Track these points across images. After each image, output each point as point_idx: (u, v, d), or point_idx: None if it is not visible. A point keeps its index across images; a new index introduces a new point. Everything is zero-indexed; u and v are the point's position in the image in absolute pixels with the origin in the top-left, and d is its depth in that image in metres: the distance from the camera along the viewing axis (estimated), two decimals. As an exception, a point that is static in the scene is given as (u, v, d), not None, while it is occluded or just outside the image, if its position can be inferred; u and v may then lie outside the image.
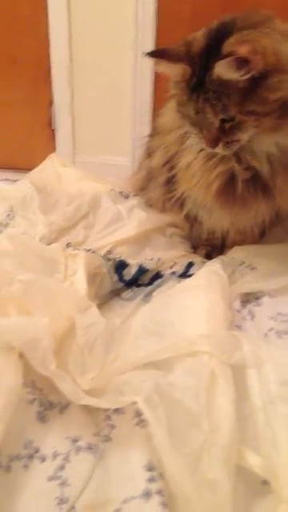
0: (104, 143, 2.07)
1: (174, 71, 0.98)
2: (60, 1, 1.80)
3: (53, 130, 2.08)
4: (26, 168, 1.94)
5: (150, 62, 1.81)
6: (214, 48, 0.92)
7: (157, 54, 0.98)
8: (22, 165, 2.08)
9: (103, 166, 2.03)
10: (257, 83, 0.89)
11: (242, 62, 0.86)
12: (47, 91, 2.00)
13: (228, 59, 0.86)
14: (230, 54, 0.86)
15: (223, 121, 0.96)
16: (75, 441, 0.77)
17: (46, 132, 2.08)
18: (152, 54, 0.97)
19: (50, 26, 1.86)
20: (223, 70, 0.88)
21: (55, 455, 0.75)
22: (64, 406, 0.81)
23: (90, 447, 0.76)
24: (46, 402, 0.81)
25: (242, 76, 0.88)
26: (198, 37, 0.97)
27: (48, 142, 2.10)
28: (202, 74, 0.93)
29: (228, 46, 0.89)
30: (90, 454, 0.75)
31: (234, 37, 0.90)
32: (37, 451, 0.75)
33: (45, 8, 1.83)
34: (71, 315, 0.89)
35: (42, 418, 0.79)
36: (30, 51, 1.94)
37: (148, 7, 1.77)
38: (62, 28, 1.85)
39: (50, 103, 2.02)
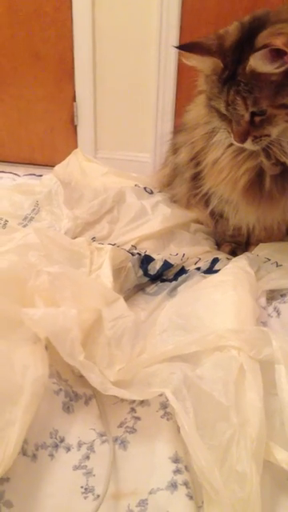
0: (126, 139, 2.07)
1: (205, 64, 0.98)
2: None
3: (75, 126, 2.09)
4: (47, 164, 1.97)
5: (173, 60, 1.83)
6: (246, 41, 0.91)
7: (188, 47, 0.98)
8: (44, 161, 2.10)
9: (125, 162, 2.04)
10: None
11: (277, 55, 0.85)
12: (70, 87, 2.01)
13: (263, 51, 0.85)
14: (264, 47, 0.86)
15: (253, 114, 0.95)
16: (100, 432, 0.77)
17: (69, 128, 2.10)
18: (183, 47, 0.97)
19: (74, 23, 1.88)
20: (258, 61, 0.87)
21: (80, 445, 0.75)
22: (89, 398, 0.82)
23: (115, 438, 0.77)
24: (71, 393, 0.81)
25: (276, 68, 0.87)
26: (231, 30, 0.96)
27: (70, 138, 2.11)
28: (234, 67, 0.93)
29: (262, 38, 0.89)
30: (114, 444, 0.76)
31: (269, 30, 0.89)
32: (62, 441, 0.75)
33: (69, 4, 1.84)
34: (98, 307, 0.89)
35: (67, 408, 0.79)
36: (54, 47, 1.96)
37: (173, 5, 1.77)
38: (86, 24, 1.87)
39: (73, 99, 2.03)
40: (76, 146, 2.09)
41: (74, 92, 2.02)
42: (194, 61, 0.97)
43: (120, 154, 2.09)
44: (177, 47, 0.98)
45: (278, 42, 0.84)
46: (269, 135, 0.98)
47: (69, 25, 1.90)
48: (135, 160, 2.06)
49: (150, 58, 1.88)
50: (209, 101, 1.02)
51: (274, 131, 0.97)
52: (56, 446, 0.74)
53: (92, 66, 1.95)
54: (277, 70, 0.87)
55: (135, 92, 1.98)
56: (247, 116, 0.96)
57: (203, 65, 0.99)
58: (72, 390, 0.82)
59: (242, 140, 0.99)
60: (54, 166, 1.51)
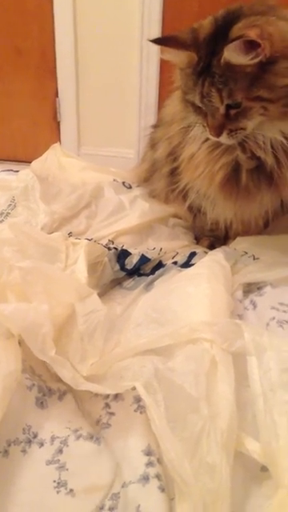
0: (109, 135, 2.07)
1: (180, 58, 0.98)
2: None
3: (58, 122, 2.08)
4: (29, 160, 1.95)
5: (155, 55, 1.83)
6: (220, 34, 0.92)
7: (163, 40, 0.98)
8: (26, 157, 2.08)
9: (108, 158, 2.04)
10: (264, 69, 0.89)
11: (251, 46, 0.86)
12: (52, 83, 2.00)
13: (237, 42, 0.85)
14: (238, 38, 0.86)
15: (229, 107, 0.95)
16: (74, 427, 0.77)
17: (51, 124, 2.09)
18: (158, 41, 0.97)
19: (56, 18, 1.86)
20: (232, 53, 0.87)
21: (53, 439, 0.75)
22: (63, 393, 0.82)
23: (88, 434, 0.76)
24: (44, 388, 0.81)
25: (250, 60, 0.87)
26: (205, 24, 0.96)
27: (53, 134, 2.10)
28: (208, 59, 0.93)
29: (236, 30, 0.89)
30: (88, 440, 0.75)
31: (243, 22, 0.90)
32: (35, 436, 0.75)
33: (50, 0, 1.83)
34: (71, 302, 0.88)
35: (40, 403, 0.79)
36: (35, 43, 1.94)
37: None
38: (67, 19, 1.86)
39: (56, 95, 2.02)
40: (59, 143, 2.08)
41: (57, 88, 2.01)
42: (169, 55, 0.97)
43: (103, 149, 2.08)
44: (151, 41, 0.98)
45: (252, 34, 0.84)
46: (244, 129, 0.98)
47: (50, 20, 1.88)
48: (119, 156, 2.06)
49: (133, 53, 1.88)
50: (184, 95, 1.02)
51: (250, 125, 0.97)
52: (29, 442, 0.74)
53: (74, 61, 1.94)
54: (251, 62, 0.88)
55: (118, 87, 1.97)
56: (222, 109, 0.96)
57: (178, 58, 0.98)
58: (46, 385, 0.81)
59: (218, 133, 0.99)
60: (36, 160, 1.50)
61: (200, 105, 0.99)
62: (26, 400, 0.77)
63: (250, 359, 0.76)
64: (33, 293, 0.85)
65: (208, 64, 0.93)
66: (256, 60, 0.87)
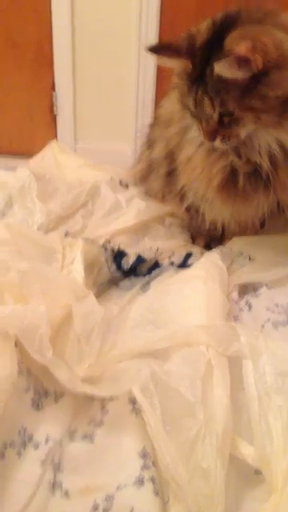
0: (106, 129, 2.05)
1: (176, 64, 0.98)
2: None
3: (54, 116, 2.06)
4: (26, 154, 1.93)
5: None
6: (216, 41, 0.91)
7: (158, 49, 0.97)
8: (22, 150, 2.07)
9: (105, 152, 2.02)
10: (257, 80, 0.88)
11: (242, 61, 0.85)
12: (49, 76, 1.98)
13: (227, 59, 0.85)
14: (229, 52, 0.85)
15: (222, 114, 0.95)
16: (69, 429, 0.78)
17: (47, 117, 2.07)
18: (153, 50, 0.96)
19: (53, 11, 1.84)
20: (222, 68, 0.86)
21: (48, 440, 0.75)
22: (59, 395, 0.82)
23: (83, 434, 0.77)
24: (41, 389, 0.81)
25: (241, 74, 0.87)
26: (202, 30, 0.95)
27: (49, 128, 2.08)
28: (202, 67, 0.92)
29: (229, 41, 0.88)
30: (82, 440, 0.76)
31: (237, 31, 0.89)
32: (30, 439, 0.75)
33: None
34: (68, 303, 0.89)
35: (36, 405, 0.79)
36: (32, 35, 1.92)
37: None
38: (65, 12, 1.83)
39: (52, 88, 2.01)
40: (55, 136, 2.07)
41: (53, 81, 1.99)
42: (165, 61, 0.97)
43: (100, 144, 2.07)
44: (147, 50, 0.97)
45: (242, 50, 0.83)
46: (237, 135, 0.98)
47: (47, 13, 1.86)
48: (115, 150, 2.05)
49: (130, 47, 1.86)
50: (181, 97, 1.02)
51: (243, 132, 0.97)
52: (24, 444, 0.74)
53: (71, 55, 1.92)
54: (242, 76, 0.87)
55: (115, 81, 1.96)
56: (216, 116, 0.95)
57: (174, 64, 0.98)
58: (42, 386, 0.82)
59: (211, 139, 0.99)
60: (32, 156, 1.49)
61: (194, 111, 0.99)
62: (22, 402, 0.78)
63: (246, 363, 0.77)
64: (30, 294, 0.85)
65: (202, 72, 0.93)
66: (247, 74, 0.87)
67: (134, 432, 0.75)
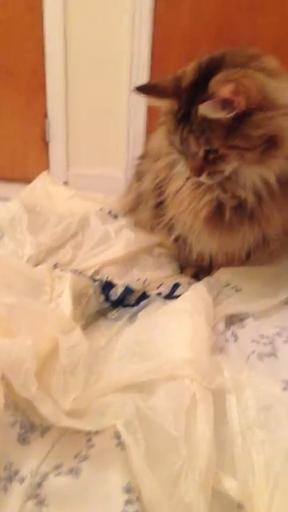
0: (98, 156, 2.08)
1: (163, 104, 1.02)
2: (56, 14, 1.83)
3: (47, 143, 2.10)
4: (18, 180, 1.96)
5: (144, 78, 1.87)
6: (201, 83, 0.95)
7: (145, 90, 1.02)
8: (15, 176, 2.09)
9: (97, 178, 2.05)
10: (240, 120, 0.92)
11: (225, 103, 0.89)
12: (42, 103, 2.02)
13: (211, 101, 0.89)
14: (213, 95, 0.89)
15: (207, 152, 0.99)
16: (54, 463, 0.78)
17: (40, 144, 2.10)
18: (141, 90, 1.01)
19: (46, 39, 1.89)
20: (207, 110, 0.91)
21: (33, 475, 0.75)
22: (45, 429, 0.82)
23: (68, 469, 0.77)
24: (27, 424, 0.81)
25: (225, 115, 0.91)
26: (188, 71, 1.00)
27: (41, 154, 2.11)
28: (188, 107, 0.96)
29: (214, 84, 0.92)
30: (68, 474, 0.76)
31: (221, 74, 0.93)
32: (16, 473, 0.76)
33: (41, 21, 1.86)
34: (55, 337, 0.90)
35: (22, 440, 0.80)
36: (26, 63, 1.96)
37: (144, 19, 1.80)
38: (58, 42, 1.88)
39: (45, 116, 2.04)
40: (48, 163, 2.10)
41: (46, 108, 2.03)
42: (153, 101, 1.02)
43: (92, 170, 2.10)
44: (134, 90, 1.01)
45: (226, 92, 0.88)
46: (222, 172, 1.01)
47: (41, 42, 1.91)
48: (107, 176, 2.07)
49: (122, 76, 1.90)
50: (168, 134, 1.06)
51: (227, 168, 1.01)
52: (10, 480, 0.75)
53: (64, 83, 1.96)
54: (225, 116, 0.91)
55: (107, 109, 1.99)
56: (201, 153, 0.99)
57: (161, 104, 1.03)
58: (29, 420, 0.82)
59: (197, 174, 1.02)
60: (25, 182, 1.51)
61: (180, 148, 1.02)
62: (9, 437, 0.78)
63: (229, 397, 0.78)
64: (17, 328, 0.86)
65: (188, 112, 0.97)
66: (230, 115, 0.91)
67: (120, 466, 0.75)
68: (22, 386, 0.78)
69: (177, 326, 0.98)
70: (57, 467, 0.78)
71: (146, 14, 1.78)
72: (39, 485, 0.74)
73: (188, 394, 0.79)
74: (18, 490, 0.74)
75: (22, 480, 0.75)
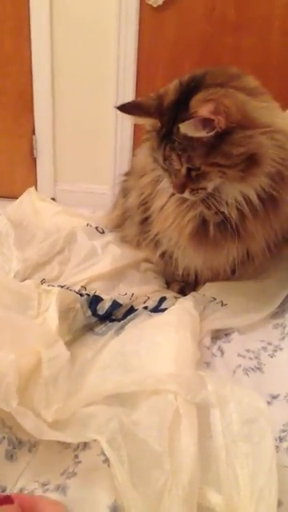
0: (85, 172, 2.11)
1: (146, 122, 1.05)
2: (43, 36, 1.88)
3: (34, 159, 2.12)
4: (5, 196, 1.97)
5: (131, 94, 1.90)
6: (182, 102, 0.98)
7: (128, 108, 1.04)
8: (3, 193, 2.11)
9: (84, 194, 2.07)
10: (221, 138, 0.95)
11: (206, 122, 0.91)
12: (29, 121, 2.05)
13: (192, 120, 0.92)
14: (194, 114, 0.92)
15: (189, 169, 1.01)
16: (42, 480, 0.78)
17: (28, 160, 2.12)
18: (123, 109, 1.03)
19: (33, 59, 1.93)
20: (187, 129, 0.93)
21: (21, 492, 0.75)
22: (33, 445, 0.82)
23: (56, 486, 0.77)
24: (14, 440, 0.81)
25: (205, 133, 0.93)
26: (170, 90, 1.03)
27: (29, 170, 2.14)
28: (170, 126, 0.99)
29: (194, 103, 0.95)
30: (55, 491, 0.76)
31: (202, 93, 0.96)
32: (4, 490, 0.75)
33: (28, 42, 1.90)
34: (38, 350, 0.90)
35: (10, 456, 0.79)
36: (14, 83, 1.99)
37: (129, 43, 1.83)
38: (45, 61, 1.93)
39: (32, 132, 2.06)
40: (35, 179, 2.12)
41: (34, 125, 2.06)
42: (136, 119, 1.04)
43: (79, 186, 2.12)
44: (117, 108, 1.04)
45: (205, 112, 0.90)
46: (205, 188, 1.03)
47: (28, 61, 1.94)
48: (94, 192, 2.10)
49: (109, 93, 1.94)
50: (151, 151, 1.07)
51: (210, 185, 1.03)
52: (-3, 497, 0.74)
53: (51, 100, 2.00)
54: (206, 135, 0.93)
55: (94, 126, 2.03)
56: (183, 170, 1.01)
57: (144, 122, 1.05)
58: (16, 437, 0.82)
59: (180, 191, 1.04)
60: (13, 199, 1.51)
61: (163, 165, 1.04)
62: (-4, 454, 0.78)
63: (213, 411, 0.79)
64: (0, 342, 0.86)
65: (170, 130, 0.99)
66: (211, 133, 0.93)
67: (106, 484, 0.74)
68: (2, 400, 0.78)
69: (162, 339, 0.99)
70: (44, 484, 0.77)
71: (132, 35, 1.82)
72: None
73: (171, 409, 0.79)
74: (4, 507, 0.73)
75: (8, 497, 0.74)
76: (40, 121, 2.05)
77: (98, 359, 1.02)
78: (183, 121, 0.93)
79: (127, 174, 1.47)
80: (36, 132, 2.07)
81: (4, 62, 1.97)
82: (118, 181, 1.62)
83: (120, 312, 1.23)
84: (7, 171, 2.17)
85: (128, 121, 1.92)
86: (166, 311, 1.17)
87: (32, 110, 2.04)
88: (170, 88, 1.03)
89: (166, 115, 1.00)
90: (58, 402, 0.84)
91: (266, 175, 1.02)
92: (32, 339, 0.91)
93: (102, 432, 0.74)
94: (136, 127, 1.94)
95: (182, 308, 1.14)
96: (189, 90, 0.99)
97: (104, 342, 1.11)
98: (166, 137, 1.00)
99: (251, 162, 0.98)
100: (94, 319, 1.19)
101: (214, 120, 0.91)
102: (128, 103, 1.04)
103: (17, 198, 1.63)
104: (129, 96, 1.91)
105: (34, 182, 2.07)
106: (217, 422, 0.78)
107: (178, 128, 0.95)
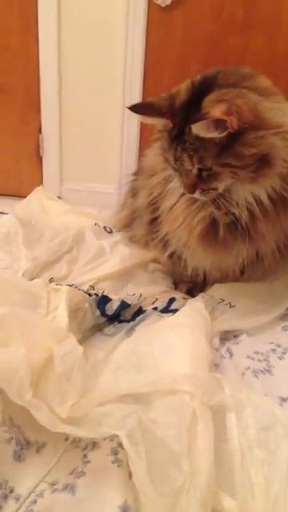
0: (91, 171, 2.10)
1: (157, 122, 1.04)
2: (50, 36, 1.86)
3: (40, 158, 2.11)
4: (12, 194, 1.96)
5: (138, 94, 1.89)
6: (194, 102, 0.97)
7: (140, 109, 1.03)
8: (9, 191, 2.10)
9: (90, 193, 2.06)
10: (233, 139, 0.94)
11: (218, 122, 0.91)
12: (36, 119, 2.04)
13: (204, 121, 0.91)
14: (206, 114, 0.91)
15: (201, 169, 1.00)
16: (50, 480, 0.77)
17: (34, 159, 2.11)
18: (135, 110, 1.02)
19: (41, 57, 1.91)
20: (199, 129, 0.92)
21: (29, 492, 0.74)
22: (41, 445, 0.81)
23: (65, 486, 0.76)
24: (22, 440, 0.80)
25: (217, 134, 0.92)
26: (182, 90, 1.02)
27: (35, 169, 2.12)
28: (181, 126, 0.98)
29: (206, 103, 0.94)
30: (63, 491, 0.75)
31: (214, 94, 0.95)
32: (12, 491, 0.74)
33: (36, 39, 1.88)
34: (49, 346, 0.89)
35: (18, 457, 0.78)
36: (21, 81, 1.98)
37: (137, 43, 1.83)
38: (52, 58, 1.91)
39: (39, 131, 2.06)
40: (41, 178, 2.11)
41: (40, 124, 2.05)
42: (147, 119, 1.03)
43: (86, 185, 2.11)
44: (129, 108, 1.03)
45: (217, 113, 0.90)
46: (216, 189, 1.02)
47: (35, 59, 1.93)
48: (100, 191, 2.09)
49: (116, 92, 1.93)
50: (162, 151, 1.07)
51: (221, 186, 1.03)
52: (5, 497, 0.73)
53: (58, 99, 1.99)
54: (218, 136, 0.92)
55: (100, 125, 2.02)
56: (194, 171, 1.01)
57: (155, 122, 1.04)
58: (24, 437, 0.81)
59: (191, 191, 1.04)
60: (19, 197, 1.50)
61: (174, 165, 1.04)
62: (4, 454, 0.77)
63: (230, 415, 0.78)
64: (10, 338, 0.85)
65: (181, 130, 0.98)
66: (223, 134, 0.93)
67: (116, 483, 0.73)
68: (16, 394, 0.77)
69: (176, 340, 0.98)
70: (52, 484, 0.76)
71: (139, 35, 1.81)
72: (34, 502, 0.73)
73: (188, 410, 0.79)
74: (13, 508, 0.72)
75: (17, 498, 0.73)
76: (47, 120, 2.04)
77: (110, 360, 1.01)
78: (195, 121, 0.92)
79: (136, 174, 1.46)
80: (42, 131, 2.06)
81: (10, 58, 1.95)
82: (124, 180, 1.62)
83: (129, 313, 1.22)
84: (14, 170, 2.16)
85: (134, 120, 1.92)
86: (177, 312, 1.17)
87: (39, 108, 2.03)
88: (182, 88, 1.02)
89: (177, 115, 0.99)
90: (73, 398, 0.83)
91: (277, 176, 1.02)
92: (42, 335, 0.90)
93: (120, 427, 0.73)
94: (142, 127, 1.93)
95: (194, 309, 1.13)
96: (201, 90, 0.98)
97: (115, 343, 1.10)
98: (178, 137, 0.99)
99: (263, 162, 0.98)
100: (103, 319, 1.19)
101: (226, 121, 0.90)
102: (139, 103, 1.03)
103: (23, 196, 1.63)
104: (135, 96, 1.90)
105: (39, 181, 2.07)
106: (233, 427, 0.77)
107: (190, 128, 0.94)
